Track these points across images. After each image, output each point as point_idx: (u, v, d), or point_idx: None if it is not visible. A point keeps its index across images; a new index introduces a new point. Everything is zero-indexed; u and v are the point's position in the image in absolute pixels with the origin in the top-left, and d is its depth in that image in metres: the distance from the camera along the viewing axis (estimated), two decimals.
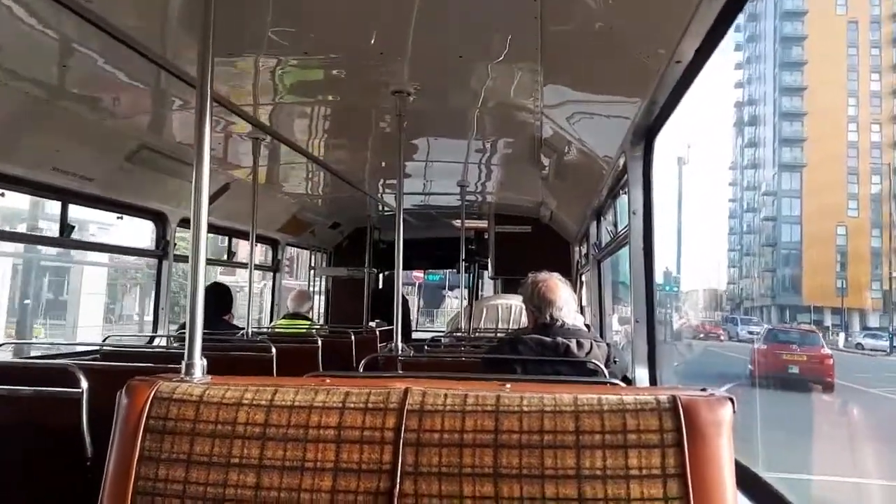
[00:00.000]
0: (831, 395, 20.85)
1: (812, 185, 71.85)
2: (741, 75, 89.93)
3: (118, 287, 30.51)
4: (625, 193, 3.32)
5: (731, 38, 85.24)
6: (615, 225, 4.20)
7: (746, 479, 2.02)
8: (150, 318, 5.40)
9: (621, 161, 3.40)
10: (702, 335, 49.86)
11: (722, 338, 49.52)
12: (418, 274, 14.51)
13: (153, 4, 2.55)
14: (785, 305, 70.50)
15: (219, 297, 5.36)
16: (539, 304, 2.98)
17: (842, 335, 51.67)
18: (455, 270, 8.02)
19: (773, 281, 75.63)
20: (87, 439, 2.49)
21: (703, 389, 1.28)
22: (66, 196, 4.07)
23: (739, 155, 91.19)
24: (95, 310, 24.12)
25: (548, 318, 2.96)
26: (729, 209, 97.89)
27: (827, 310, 64.42)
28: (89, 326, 21.00)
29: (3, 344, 3.65)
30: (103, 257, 24.08)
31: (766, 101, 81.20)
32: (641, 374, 3.12)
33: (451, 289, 21.06)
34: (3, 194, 3.67)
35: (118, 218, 4.81)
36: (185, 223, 5.05)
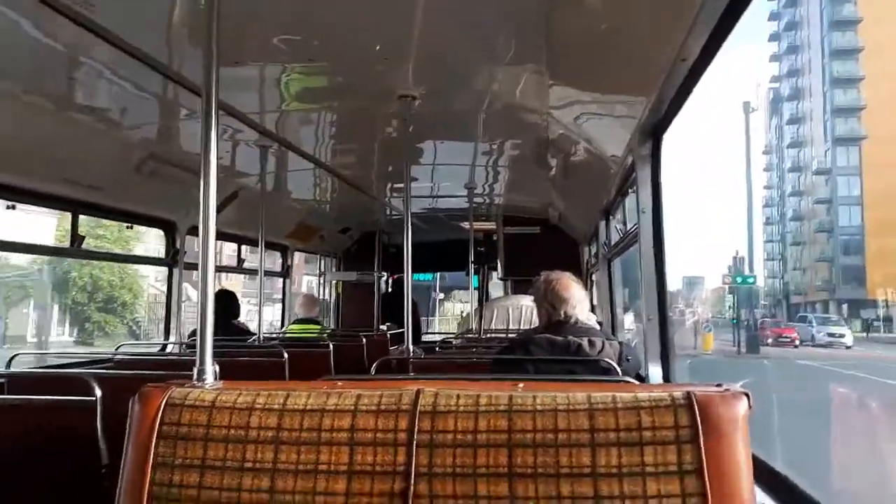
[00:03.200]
0: None
1: (874, 159, 60.30)
2: (776, 47, 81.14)
3: None
4: (633, 192, 3.31)
5: (763, 6, 77.31)
6: (624, 223, 4.19)
7: (764, 474, 2.01)
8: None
9: (629, 160, 3.39)
10: (769, 340, 39.23)
11: (796, 343, 39.56)
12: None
13: (158, 15, 2.57)
14: (845, 300, 59.98)
15: (227, 303, 5.40)
16: (553, 301, 2.99)
17: None
18: (462, 272, 8.02)
19: (830, 272, 64.78)
20: (103, 447, 2.51)
21: (719, 385, 1.27)
22: (77, 207, 4.10)
23: (776, 136, 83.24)
24: None
25: (562, 314, 2.96)
26: (764, 197, 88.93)
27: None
28: None
29: (19, 354, 3.69)
30: None
31: (811, 70, 70.88)
32: (655, 372, 3.11)
33: (444, 290, 18.27)
34: (14, 206, 3.70)
35: (128, 228, 4.87)
36: (194, 231, 5.08)
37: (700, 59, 2.21)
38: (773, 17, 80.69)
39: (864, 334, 48.16)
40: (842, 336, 41.50)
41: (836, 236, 64.92)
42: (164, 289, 5.22)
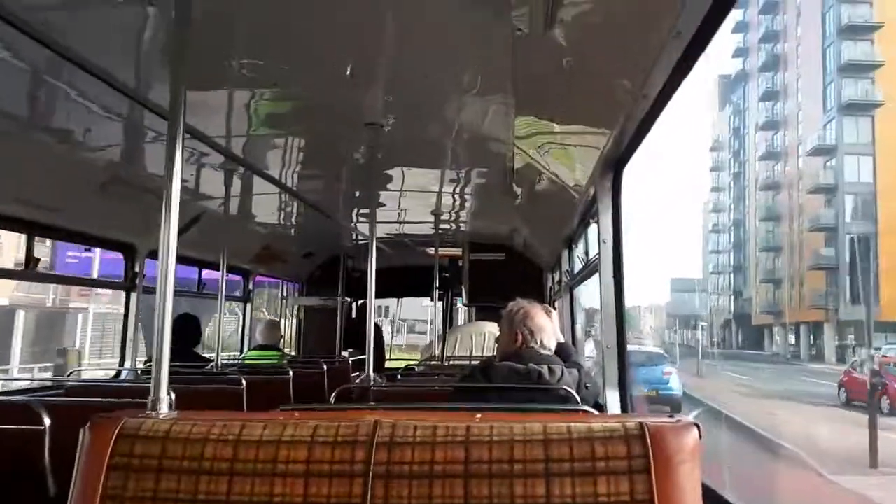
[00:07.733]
0: None
1: (892, 133, 44.42)
2: (741, 14, 67.70)
3: None
4: (595, 222, 3.38)
5: None
6: (586, 253, 4.25)
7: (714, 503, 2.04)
8: None
9: (591, 190, 3.45)
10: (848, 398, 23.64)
11: None
12: None
13: (125, 38, 2.55)
14: (849, 322, 44.13)
15: (188, 329, 5.30)
16: (532, 327, 3.06)
17: None
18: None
19: (828, 284, 47.56)
20: (50, 478, 2.43)
21: (671, 416, 1.30)
22: (32, 228, 4.00)
23: (738, 120, 70.98)
24: None
25: (539, 342, 3.04)
26: (713, 201, 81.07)
27: None
28: None
29: None
30: None
31: (804, 25, 54.67)
32: (612, 399, 3.15)
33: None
34: None
35: (86, 250, 4.74)
36: (154, 254, 5.00)
37: (661, 96, 2.27)
38: None
39: None
40: None
41: (841, 236, 46.78)
42: None
